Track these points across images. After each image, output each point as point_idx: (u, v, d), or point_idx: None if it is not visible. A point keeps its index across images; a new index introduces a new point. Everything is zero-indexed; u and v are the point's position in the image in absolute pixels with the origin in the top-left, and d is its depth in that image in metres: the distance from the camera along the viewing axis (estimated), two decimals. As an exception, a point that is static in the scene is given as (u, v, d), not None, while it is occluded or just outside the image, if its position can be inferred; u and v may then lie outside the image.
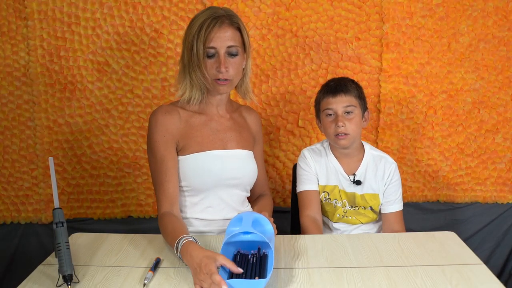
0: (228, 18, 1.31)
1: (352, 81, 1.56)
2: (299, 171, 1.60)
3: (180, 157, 1.36)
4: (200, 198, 1.37)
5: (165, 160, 1.33)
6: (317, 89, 1.96)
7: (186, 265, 1.12)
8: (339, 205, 1.56)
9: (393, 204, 1.55)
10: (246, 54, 1.38)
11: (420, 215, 2.08)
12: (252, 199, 1.55)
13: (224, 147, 1.39)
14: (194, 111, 1.40)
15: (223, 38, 1.29)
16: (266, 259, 1.07)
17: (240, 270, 1.02)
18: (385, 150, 2.01)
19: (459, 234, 1.30)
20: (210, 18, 1.28)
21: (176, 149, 1.36)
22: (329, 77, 1.96)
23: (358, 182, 1.53)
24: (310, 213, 1.53)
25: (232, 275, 1.02)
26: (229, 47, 1.30)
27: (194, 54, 1.29)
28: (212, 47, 1.29)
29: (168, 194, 1.32)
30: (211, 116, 1.41)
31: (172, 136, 1.34)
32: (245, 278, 1.01)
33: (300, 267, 1.12)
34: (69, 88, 1.93)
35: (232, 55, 1.32)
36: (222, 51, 1.30)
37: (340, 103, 1.49)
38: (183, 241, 1.12)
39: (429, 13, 1.92)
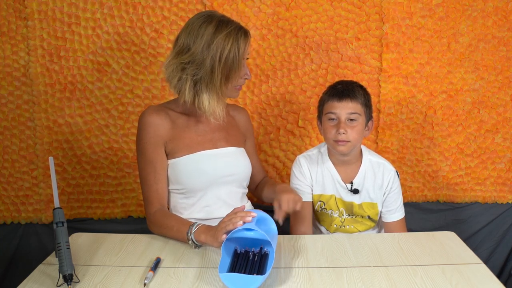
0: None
1: (361, 86, 1.48)
2: (293, 179, 1.55)
3: (171, 161, 1.37)
4: (197, 198, 1.38)
5: (154, 161, 1.35)
6: (317, 89, 1.97)
7: (186, 265, 1.12)
8: (335, 215, 1.53)
9: (394, 212, 1.51)
10: None
11: (420, 215, 2.08)
12: (254, 187, 1.61)
13: (214, 147, 1.41)
14: (181, 112, 1.42)
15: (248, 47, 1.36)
16: (266, 258, 1.07)
17: (253, 215, 1.09)
18: (385, 150, 2.01)
19: (459, 234, 1.31)
20: (238, 27, 1.33)
21: (165, 152, 1.37)
22: (329, 77, 1.96)
23: (355, 191, 1.49)
24: (301, 228, 1.51)
25: (231, 270, 1.03)
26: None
27: (236, 60, 1.30)
28: (247, 58, 1.37)
29: (157, 195, 1.35)
30: (198, 117, 1.42)
31: (160, 138, 1.36)
32: (245, 274, 1.01)
33: (300, 266, 1.12)
34: (69, 88, 1.93)
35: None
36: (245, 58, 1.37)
37: (344, 109, 1.42)
38: (197, 225, 1.21)
39: (429, 13, 1.92)
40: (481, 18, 1.94)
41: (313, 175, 1.52)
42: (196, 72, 1.29)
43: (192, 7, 1.90)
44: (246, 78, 1.37)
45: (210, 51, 1.28)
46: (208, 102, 1.31)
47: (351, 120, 1.42)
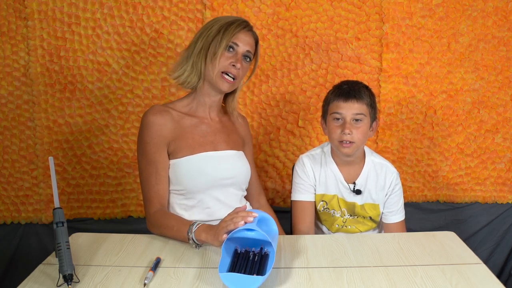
0: (253, 30, 1.42)
1: (366, 87, 1.48)
2: (295, 178, 1.55)
3: (172, 161, 1.37)
4: (197, 200, 1.38)
5: (155, 162, 1.35)
6: (317, 89, 1.98)
7: (186, 265, 1.12)
8: (337, 215, 1.53)
9: (395, 214, 1.51)
10: (253, 69, 1.46)
11: (420, 215, 2.08)
12: (250, 200, 1.57)
13: (215, 149, 1.41)
14: (185, 113, 1.42)
15: (247, 41, 1.38)
16: (267, 258, 1.07)
17: (254, 215, 1.08)
18: (385, 150, 2.01)
19: (459, 234, 1.30)
20: (241, 20, 1.38)
21: (167, 152, 1.37)
22: (329, 77, 1.96)
23: (358, 192, 1.49)
24: (303, 228, 1.50)
25: (231, 269, 1.03)
26: (248, 51, 1.38)
27: (217, 42, 1.34)
28: (236, 44, 1.36)
29: (158, 196, 1.35)
30: (201, 118, 1.43)
31: (163, 138, 1.35)
32: (245, 274, 1.01)
33: (300, 267, 1.12)
34: (69, 88, 1.93)
35: (246, 59, 1.39)
36: (241, 51, 1.37)
37: (350, 109, 1.41)
38: (198, 224, 1.20)
39: (429, 13, 1.92)
40: (481, 18, 1.94)
41: (316, 175, 1.52)
42: (193, 52, 1.38)
43: (192, 7, 1.90)
44: (232, 64, 1.35)
45: (200, 31, 1.39)
46: (185, 71, 1.38)
47: (356, 120, 1.42)
